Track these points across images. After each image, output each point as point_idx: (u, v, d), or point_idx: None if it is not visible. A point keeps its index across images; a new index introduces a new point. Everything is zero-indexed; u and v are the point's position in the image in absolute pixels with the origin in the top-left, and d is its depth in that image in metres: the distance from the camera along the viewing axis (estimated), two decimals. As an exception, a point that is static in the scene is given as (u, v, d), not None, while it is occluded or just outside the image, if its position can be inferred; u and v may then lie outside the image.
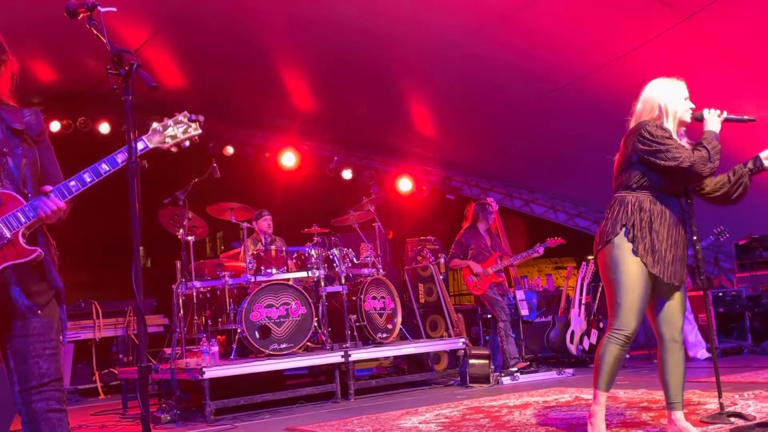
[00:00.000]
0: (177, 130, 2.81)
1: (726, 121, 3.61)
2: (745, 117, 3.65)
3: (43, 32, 7.77)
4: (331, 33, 8.05)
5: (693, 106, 3.62)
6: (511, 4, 7.19)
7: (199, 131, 2.84)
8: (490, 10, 7.34)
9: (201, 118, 2.84)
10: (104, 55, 2.43)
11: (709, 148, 3.44)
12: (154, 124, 2.80)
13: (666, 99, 3.58)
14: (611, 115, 3.82)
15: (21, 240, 2.55)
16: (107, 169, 2.65)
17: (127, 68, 2.26)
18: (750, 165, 3.63)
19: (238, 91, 10.07)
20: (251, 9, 7.66)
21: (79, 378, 8.58)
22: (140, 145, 2.72)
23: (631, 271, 3.48)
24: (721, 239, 7.84)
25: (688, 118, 3.61)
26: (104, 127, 10.19)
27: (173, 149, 2.83)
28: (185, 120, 2.82)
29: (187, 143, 2.85)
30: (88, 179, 2.62)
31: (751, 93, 7.78)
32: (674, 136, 3.53)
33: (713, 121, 3.58)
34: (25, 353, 2.57)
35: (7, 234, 2.53)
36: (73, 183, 2.60)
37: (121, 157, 2.64)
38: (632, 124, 3.68)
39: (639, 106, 3.68)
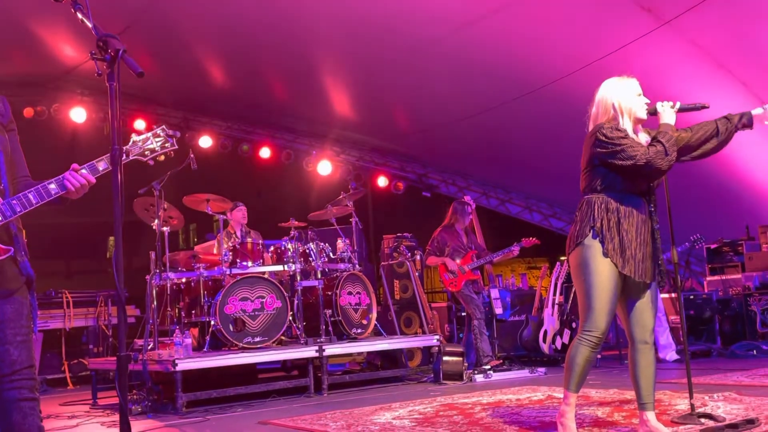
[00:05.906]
0: (155, 144, 2.85)
1: (680, 111, 3.59)
2: (698, 104, 3.61)
3: (18, 15, 7.64)
4: (313, 28, 8.03)
5: (647, 101, 3.60)
6: (489, 5, 7.21)
7: (175, 147, 2.92)
8: (469, 11, 7.35)
9: (177, 133, 2.94)
10: (82, 41, 2.40)
11: (664, 141, 3.43)
12: (135, 137, 2.83)
13: (619, 98, 3.56)
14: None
15: None
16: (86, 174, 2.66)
17: (112, 54, 2.23)
18: (736, 121, 3.60)
19: (216, 83, 9.99)
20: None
21: (48, 368, 8.46)
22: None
23: (601, 272, 3.48)
24: (697, 246, 7.92)
25: (643, 114, 3.57)
26: (78, 115, 10.02)
27: (150, 162, 2.88)
28: (163, 134, 2.88)
29: (162, 158, 2.93)
30: (68, 185, 2.63)
31: (726, 95, 7.88)
32: (631, 134, 3.51)
33: (667, 113, 3.57)
34: None
35: None
36: (53, 186, 2.59)
37: (102, 165, 2.65)
38: (590, 127, 3.66)
39: (594, 109, 3.66)
